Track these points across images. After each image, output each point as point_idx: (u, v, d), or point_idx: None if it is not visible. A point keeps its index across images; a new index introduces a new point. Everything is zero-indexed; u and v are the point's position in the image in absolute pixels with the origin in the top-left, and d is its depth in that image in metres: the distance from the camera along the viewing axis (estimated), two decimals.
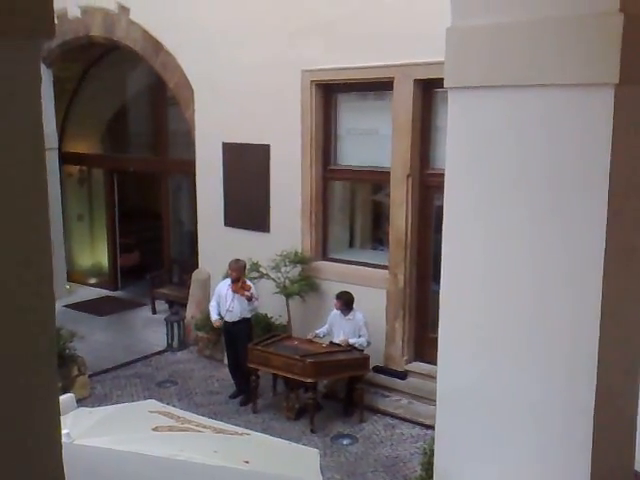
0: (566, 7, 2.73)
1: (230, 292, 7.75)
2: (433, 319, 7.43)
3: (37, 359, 1.47)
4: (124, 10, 9.86)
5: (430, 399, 6.67)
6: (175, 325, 9.54)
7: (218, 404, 7.86)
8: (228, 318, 7.83)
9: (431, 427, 6.28)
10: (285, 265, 8.31)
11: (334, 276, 8.34)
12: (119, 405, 6.01)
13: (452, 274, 3.18)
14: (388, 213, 8.05)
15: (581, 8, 2.69)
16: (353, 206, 9.27)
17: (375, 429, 7.28)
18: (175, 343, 9.54)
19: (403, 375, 7.94)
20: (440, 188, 3.37)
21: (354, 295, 7.59)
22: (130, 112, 12.24)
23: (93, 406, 6.45)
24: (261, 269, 8.33)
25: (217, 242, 9.44)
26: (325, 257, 8.68)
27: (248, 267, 8.31)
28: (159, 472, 3.46)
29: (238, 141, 9.04)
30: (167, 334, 9.56)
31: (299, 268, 8.43)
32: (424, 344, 7.93)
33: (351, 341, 7.45)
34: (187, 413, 5.02)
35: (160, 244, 11.60)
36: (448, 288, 3.20)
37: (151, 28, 9.64)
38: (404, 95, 7.57)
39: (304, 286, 8.36)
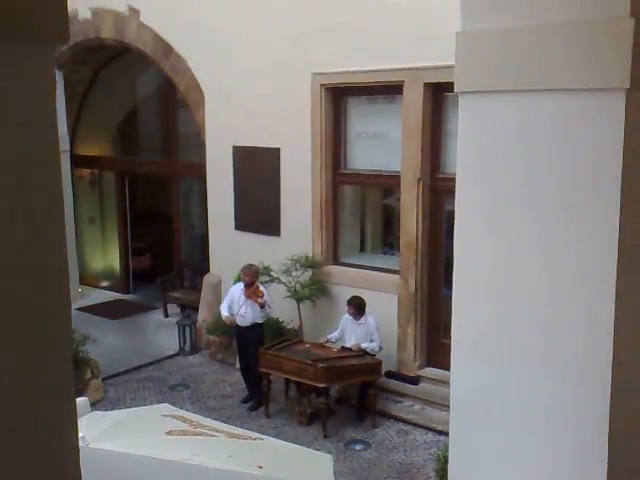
0: (576, 12, 2.73)
1: (243, 297, 7.77)
2: (445, 324, 7.43)
3: (54, 362, 1.48)
4: (134, 12, 9.92)
5: (443, 405, 6.66)
6: (187, 329, 9.57)
7: (230, 408, 7.88)
8: (240, 322, 7.85)
9: (444, 433, 6.27)
10: (296, 269, 8.32)
11: (345, 280, 8.34)
12: (133, 409, 6.05)
13: (464, 279, 3.18)
14: (399, 217, 8.04)
15: (592, 13, 2.69)
16: (363, 210, 9.27)
17: (388, 435, 7.27)
18: (187, 347, 9.57)
19: (415, 380, 7.92)
20: (451, 192, 3.38)
21: (365, 300, 7.58)
22: (140, 115, 12.30)
23: (106, 409, 6.48)
24: (272, 273, 8.34)
25: (228, 246, 9.46)
26: (336, 261, 8.68)
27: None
28: (173, 476, 3.48)
29: (248, 144, 9.06)
30: (179, 338, 9.59)
31: (310, 272, 8.43)
32: (436, 349, 7.90)
33: (363, 346, 7.44)
34: (200, 417, 5.04)
35: (171, 247, 11.65)
36: (460, 293, 3.20)
37: (161, 30, 9.70)
38: (414, 99, 7.57)
39: (315, 290, 8.37)
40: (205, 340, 9.47)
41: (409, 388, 7.89)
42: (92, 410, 5.10)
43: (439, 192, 7.70)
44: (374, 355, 7.48)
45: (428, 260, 7.88)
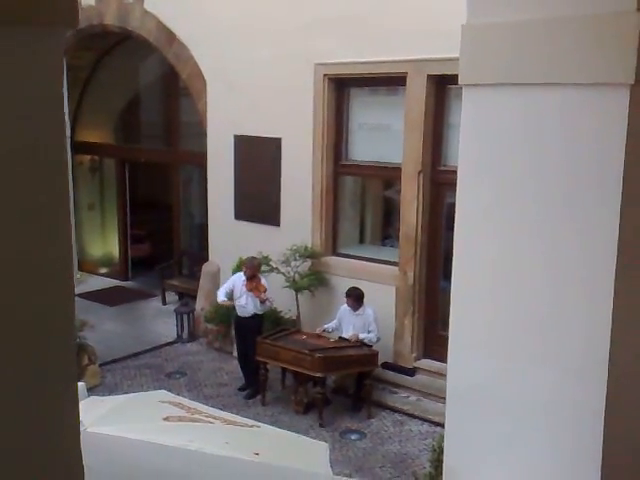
0: (582, 6, 2.73)
1: (244, 288, 7.78)
2: (442, 316, 7.45)
3: (57, 345, 1.49)
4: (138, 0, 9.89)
5: (439, 396, 6.70)
6: (185, 317, 9.60)
7: (227, 396, 7.91)
8: (240, 313, 7.88)
9: (440, 424, 6.31)
10: (295, 259, 8.34)
11: (344, 271, 8.36)
12: (130, 395, 6.07)
13: (463, 272, 3.19)
14: (399, 209, 8.05)
15: (597, 7, 2.69)
16: (364, 202, 9.28)
17: (383, 425, 7.31)
18: (185, 334, 9.60)
19: (412, 372, 7.96)
20: (452, 185, 3.38)
21: (364, 291, 7.60)
22: (142, 102, 12.28)
23: (103, 395, 6.50)
24: (271, 263, 8.35)
25: (227, 235, 9.47)
26: (335, 252, 8.70)
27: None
28: (171, 461, 3.49)
29: (250, 134, 9.05)
30: (177, 325, 9.62)
31: (309, 263, 8.45)
32: (433, 341, 7.94)
33: (361, 336, 7.47)
34: (197, 404, 5.06)
35: (170, 235, 11.66)
36: (459, 286, 3.21)
37: (165, 18, 9.67)
38: (417, 91, 7.56)
39: (314, 281, 8.39)
40: (203, 328, 9.50)
41: (405, 379, 7.93)
42: (89, 395, 5.12)
43: (440, 185, 7.71)
44: (371, 346, 7.51)
45: (427, 253, 7.90)
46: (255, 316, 7.84)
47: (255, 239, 8.83)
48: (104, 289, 11.77)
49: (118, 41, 11.23)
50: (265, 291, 7.76)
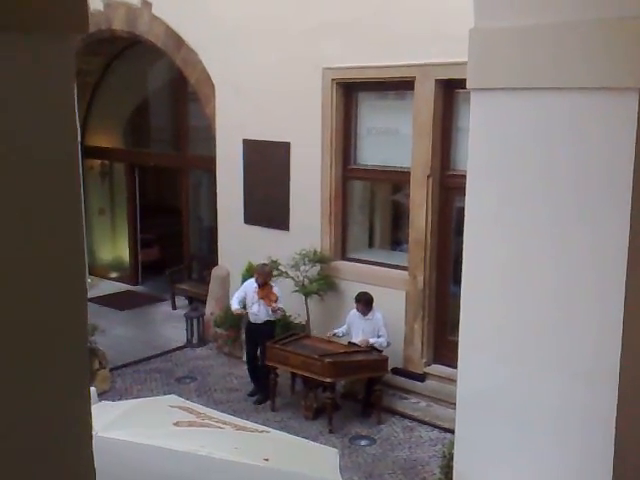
0: (591, 11, 2.72)
1: (256, 296, 7.79)
2: (452, 321, 7.42)
3: (71, 350, 1.50)
4: (146, 4, 9.94)
5: (449, 402, 6.66)
6: (195, 321, 9.62)
7: (237, 401, 7.91)
8: (252, 320, 7.89)
9: (449, 430, 6.27)
10: (304, 264, 8.33)
11: (353, 276, 8.35)
12: (140, 399, 6.09)
13: (473, 276, 3.18)
14: (408, 214, 8.03)
15: (606, 12, 2.68)
16: (373, 206, 9.27)
17: (393, 431, 7.28)
18: (194, 339, 9.61)
19: (422, 377, 7.92)
20: (461, 189, 3.38)
21: (373, 296, 7.59)
22: (151, 107, 12.33)
23: (114, 400, 6.53)
24: (280, 267, 8.36)
25: (237, 239, 9.49)
26: (344, 257, 8.69)
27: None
28: (181, 466, 3.51)
29: (258, 138, 9.07)
30: (187, 330, 9.64)
31: (318, 267, 8.45)
32: (443, 347, 7.90)
33: (371, 341, 7.45)
34: (207, 409, 5.07)
35: (180, 240, 11.69)
36: (469, 291, 3.20)
37: (173, 23, 9.71)
38: (425, 95, 7.55)
39: (323, 285, 8.38)
40: (212, 333, 9.51)
41: (415, 385, 7.90)
42: (99, 400, 5.14)
43: (449, 189, 7.69)
44: (381, 351, 7.49)
45: (437, 257, 7.88)
46: (267, 322, 7.84)
47: (264, 243, 8.84)
48: (114, 293, 11.81)
49: (126, 46, 11.30)
50: (277, 300, 7.75)
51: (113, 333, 9.58)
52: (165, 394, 7.42)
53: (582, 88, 2.75)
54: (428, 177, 7.68)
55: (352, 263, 8.56)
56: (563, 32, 2.78)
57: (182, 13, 9.59)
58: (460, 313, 3.25)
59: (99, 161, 12.68)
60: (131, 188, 12.19)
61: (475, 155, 3.18)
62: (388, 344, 7.49)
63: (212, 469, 3.74)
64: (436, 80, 7.45)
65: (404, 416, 7.53)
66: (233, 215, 9.51)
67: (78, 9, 1.42)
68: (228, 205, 9.61)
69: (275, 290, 7.83)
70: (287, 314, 8.36)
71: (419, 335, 7.94)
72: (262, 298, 7.74)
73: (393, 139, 8.31)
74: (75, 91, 1.54)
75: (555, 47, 2.81)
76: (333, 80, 8.26)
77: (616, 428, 2.66)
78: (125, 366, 8.79)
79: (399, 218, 8.89)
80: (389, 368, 7.61)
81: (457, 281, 3.49)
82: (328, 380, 7.14)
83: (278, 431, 5.56)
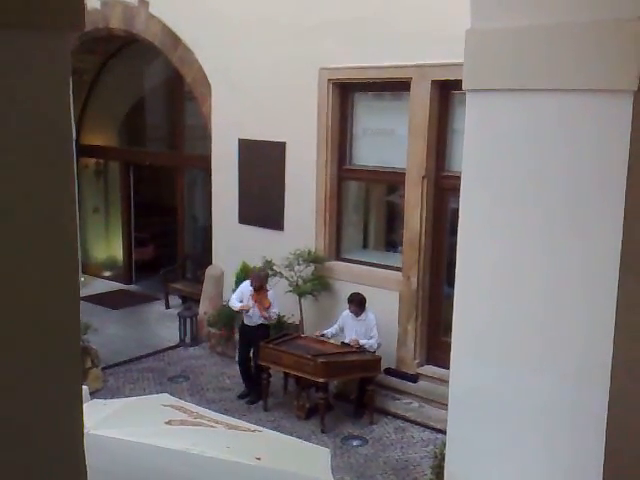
0: (586, 13, 2.73)
1: (251, 299, 7.78)
2: (446, 322, 7.43)
3: (63, 348, 1.50)
4: (143, 3, 9.92)
5: (441, 403, 6.67)
6: (188, 320, 9.60)
7: (229, 401, 7.90)
8: (247, 322, 7.88)
9: (441, 431, 6.28)
10: (298, 264, 8.33)
11: (347, 276, 8.35)
12: (133, 398, 6.08)
13: (466, 278, 3.19)
14: (402, 214, 8.04)
15: (601, 14, 2.69)
16: (367, 206, 9.28)
17: (385, 431, 7.29)
18: (188, 338, 9.60)
19: (414, 378, 7.93)
20: (456, 190, 3.38)
21: (366, 296, 7.59)
22: (147, 106, 12.31)
23: (106, 399, 6.50)
24: (274, 267, 8.35)
25: (231, 239, 9.48)
26: (338, 257, 8.69)
27: (261, 265, 8.35)
28: (173, 464, 3.50)
29: (254, 138, 9.07)
30: (180, 329, 9.62)
31: (312, 267, 8.45)
32: (436, 347, 7.91)
33: (361, 342, 7.44)
34: (200, 408, 5.06)
35: (174, 239, 11.67)
36: (462, 291, 3.21)
37: (170, 22, 9.70)
38: (421, 96, 7.56)
39: (317, 285, 8.38)
40: (206, 332, 9.50)
41: (408, 385, 7.90)
42: (91, 399, 5.12)
43: (444, 190, 7.70)
44: (373, 352, 7.50)
45: (431, 258, 7.89)
46: (261, 326, 7.82)
47: (259, 243, 8.84)
48: (108, 292, 11.78)
49: (123, 44, 11.28)
50: (269, 307, 7.73)
51: (106, 332, 9.55)
52: (157, 393, 7.40)
53: (577, 90, 2.76)
54: (423, 178, 7.69)
55: (346, 263, 8.56)
56: (559, 34, 2.79)
57: (179, 12, 9.59)
58: (453, 314, 3.25)
59: (94, 160, 12.65)
60: (126, 187, 12.16)
61: (470, 156, 3.18)
62: (379, 345, 7.49)
63: (204, 468, 3.73)
64: (432, 81, 7.47)
65: (396, 416, 7.54)
66: (228, 215, 9.50)
67: (74, 7, 1.42)
68: (223, 204, 9.60)
69: (270, 295, 7.80)
70: (281, 314, 8.36)
71: (412, 336, 7.95)
72: (256, 302, 7.73)
73: (389, 140, 8.32)
74: (71, 89, 1.53)
75: (551, 49, 2.81)
76: (329, 80, 8.27)
77: (607, 427, 2.66)
78: (118, 365, 8.77)
79: (394, 219, 8.90)
80: (382, 368, 7.62)
81: (451, 282, 3.50)
82: (321, 380, 7.14)
83: (270, 430, 5.55)
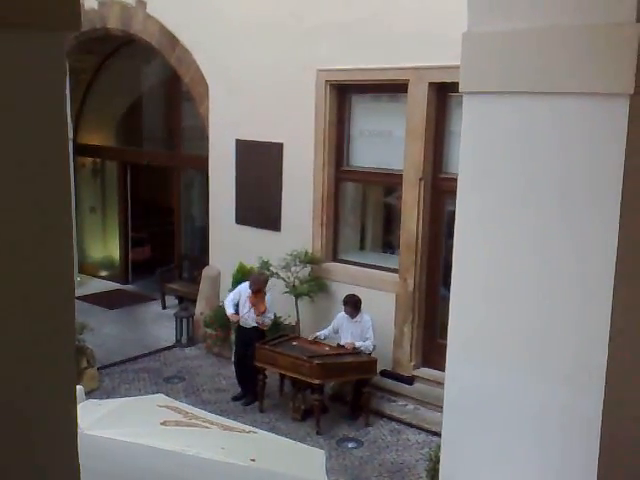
0: (583, 16, 2.73)
1: (248, 301, 7.76)
2: (442, 324, 7.44)
3: (57, 347, 1.50)
4: (141, 3, 9.92)
5: (437, 405, 6.67)
6: (184, 321, 9.59)
7: (225, 402, 7.89)
8: (242, 324, 7.87)
9: (437, 434, 6.28)
10: (295, 265, 8.33)
11: (344, 278, 8.35)
12: (128, 398, 6.06)
13: (462, 280, 3.18)
14: (399, 216, 8.04)
15: (598, 17, 2.69)
16: (364, 208, 9.28)
17: (381, 434, 7.28)
18: (184, 339, 9.59)
19: (410, 380, 7.93)
20: (452, 192, 3.38)
21: (362, 297, 7.59)
22: (145, 106, 12.30)
23: (101, 399, 6.49)
24: (271, 268, 8.35)
25: (228, 239, 9.47)
26: (335, 258, 8.69)
27: (258, 265, 8.34)
28: (168, 465, 3.49)
29: (251, 138, 9.07)
30: (176, 330, 9.61)
31: (309, 268, 8.45)
32: (432, 350, 7.91)
33: (357, 344, 7.44)
34: (195, 409, 5.05)
35: (171, 239, 11.66)
36: (458, 294, 3.20)
37: (168, 23, 9.70)
38: (418, 98, 7.57)
39: (313, 286, 8.38)
40: (202, 333, 9.49)
41: (404, 388, 7.90)
42: (87, 399, 5.11)
43: (441, 192, 7.71)
44: (369, 354, 7.49)
45: (427, 260, 7.89)
46: (256, 328, 7.81)
47: (256, 244, 8.83)
48: (104, 292, 11.76)
49: (121, 45, 11.27)
50: (264, 311, 7.71)
51: (102, 332, 9.54)
52: (153, 393, 7.39)
53: (573, 93, 2.76)
54: (420, 180, 7.70)
55: (343, 265, 8.57)
56: (555, 37, 2.79)
57: (177, 12, 9.59)
58: (449, 316, 3.25)
59: (91, 159, 12.64)
60: (123, 187, 12.15)
61: (466, 158, 3.18)
62: (374, 347, 7.48)
63: (199, 468, 3.72)
64: (430, 83, 7.47)
65: (392, 419, 7.54)
66: (225, 215, 9.49)
67: (70, 6, 1.42)
68: (220, 205, 9.60)
69: (267, 299, 7.78)
70: (277, 315, 8.36)
71: (408, 338, 7.95)
72: (253, 305, 7.72)
73: (386, 141, 8.33)
74: (67, 89, 1.53)
75: (547, 52, 2.82)
76: (327, 82, 8.27)
77: (600, 432, 2.66)
78: (113, 365, 8.76)
79: (391, 220, 8.91)
80: (378, 370, 7.62)
81: (447, 284, 3.50)
82: (316, 382, 7.14)
83: (265, 431, 5.55)
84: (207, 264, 9.96)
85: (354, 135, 8.53)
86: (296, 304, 8.40)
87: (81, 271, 12.13)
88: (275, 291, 8.11)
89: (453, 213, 3.26)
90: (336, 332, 7.69)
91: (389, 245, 8.90)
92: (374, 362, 7.43)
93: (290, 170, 8.78)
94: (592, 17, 2.69)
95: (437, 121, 7.65)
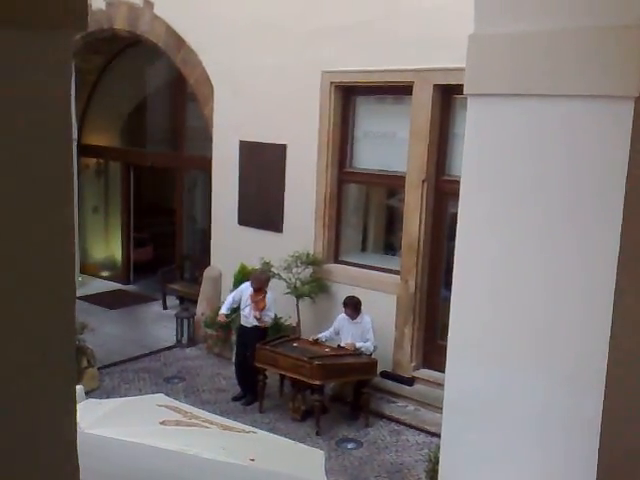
0: (588, 18, 2.73)
1: (250, 300, 7.76)
2: (442, 326, 7.43)
3: (57, 347, 1.49)
4: (148, 4, 9.94)
5: (436, 407, 6.65)
6: (185, 321, 9.59)
7: (225, 402, 7.89)
8: (243, 322, 7.87)
9: (436, 435, 6.26)
10: (297, 266, 8.33)
11: (345, 279, 8.34)
12: (128, 398, 6.07)
13: (464, 282, 3.18)
14: (402, 218, 8.04)
15: (603, 20, 2.69)
16: (367, 209, 9.28)
17: (380, 434, 7.28)
18: (184, 339, 9.58)
19: (410, 381, 7.92)
20: (455, 195, 3.38)
21: (363, 299, 7.58)
22: (149, 106, 12.32)
23: (101, 398, 6.49)
24: (273, 269, 8.35)
25: (230, 240, 9.47)
26: (337, 260, 8.69)
27: (259, 266, 8.34)
28: (167, 465, 3.49)
29: (255, 140, 9.07)
30: (177, 330, 9.61)
31: (310, 269, 8.44)
32: (432, 351, 7.90)
33: (357, 345, 7.44)
34: (195, 409, 5.05)
35: (173, 240, 11.66)
36: (459, 296, 3.20)
37: (174, 24, 9.72)
38: (423, 100, 7.57)
39: (315, 288, 8.37)
40: (203, 333, 9.48)
41: (404, 389, 7.89)
42: (87, 398, 5.11)
43: (443, 194, 7.71)
44: (369, 355, 7.49)
45: (429, 262, 7.89)
46: (257, 327, 7.80)
47: (258, 245, 8.83)
48: (105, 292, 11.76)
49: (127, 45, 11.29)
50: (263, 309, 7.70)
51: (103, 332, 9.54)
52: (153, 393, 7.38)
53: (578, 95, 2.76)
54: (423, 182, 7.70)
55: (344, 266, 8.56)
56: (561, 39, 2.79)
57: (183, 13, 9.60)
58: (449, 317, 3.25)
59: (95, 159, 12.64)
60: (126, 187, 12.16)
61: (470, 161, 3.18)
62: (375, 348, 7.48)
63: (198, 468, 3.72)
64: (434, 85, 7.48)
65: (391, 420, 7.53)
66: (227, 216, 9.50)
67: (77, 6, 1.42)
68: (223, 206, 9.60)
69: (268, 298, 7.77)
70: (278, 316, 8.35)
71: (409, 339, 7.95)
72: (253, 303, 7.72)
73: (389, 143, 8.33)
74: (72, 89, 1.53)
75: (553, 54, 2.82)
76: (332, 83, 8.28)
77: (601, 433, 2.66)
78: (114, 365, 8.75)
79: (393, 222, 8.91)
80: (378, 371, 7.61)
81: (448, 286, 3.50)
82: (317, 382, 7.13)
83: (265, 432, 5.54)
84: (209, 265, 9.96)
85: (358, 137, 8.53)
86: (297, 305, 8.40)
87: (83, 271, 12.14)
88: (276, 292, 8.10)
89: (455, 215, 3.26)
90: (337, 334, 7.68)
91: (391, 247, 8.89)
92: (374, 363, 7.42)
93: (293, 171, 8.78)
94: (598, 20, 2.68)
95: (441, 123, 7.65)
